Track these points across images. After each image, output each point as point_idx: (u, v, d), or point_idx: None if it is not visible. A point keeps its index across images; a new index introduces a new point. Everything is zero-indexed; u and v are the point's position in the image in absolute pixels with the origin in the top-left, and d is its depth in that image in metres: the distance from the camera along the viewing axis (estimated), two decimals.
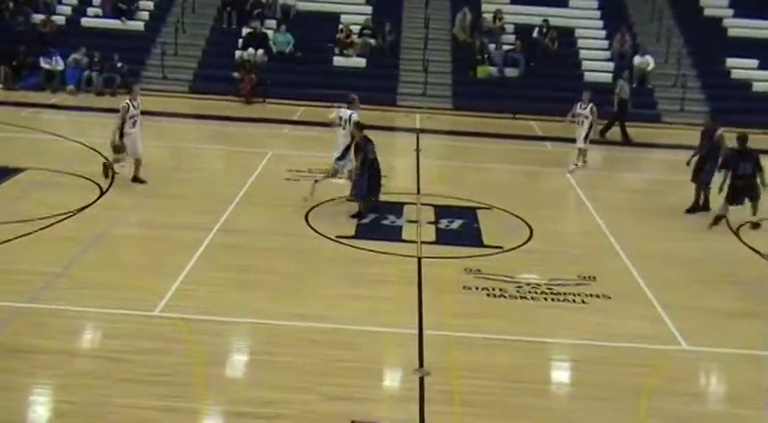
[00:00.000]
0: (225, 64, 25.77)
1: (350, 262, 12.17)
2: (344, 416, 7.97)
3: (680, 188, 17.99)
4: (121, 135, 14.88)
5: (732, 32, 28.22)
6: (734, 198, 14.71)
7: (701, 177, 15.60)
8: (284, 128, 21.76)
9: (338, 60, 26.46)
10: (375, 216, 14.14)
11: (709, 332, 10.49)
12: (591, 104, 18.80)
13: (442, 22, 28.54)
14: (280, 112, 23.53)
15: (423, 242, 13.19)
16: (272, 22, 27.46)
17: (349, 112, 15.02)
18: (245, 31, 26.96)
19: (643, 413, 8.46)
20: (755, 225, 14.85)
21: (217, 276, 11.24)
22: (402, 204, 14.99)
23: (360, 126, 14.29)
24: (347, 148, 14.72)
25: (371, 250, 12.58)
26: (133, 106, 14.99)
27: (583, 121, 18.65)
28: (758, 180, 14.65)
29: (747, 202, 14.77)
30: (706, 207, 15.64)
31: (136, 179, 15.23)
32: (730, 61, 27.04)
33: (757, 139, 18.67)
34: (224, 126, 21.70)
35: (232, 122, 22.01)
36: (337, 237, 13.09)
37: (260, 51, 26.10)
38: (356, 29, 27.15)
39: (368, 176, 13.94)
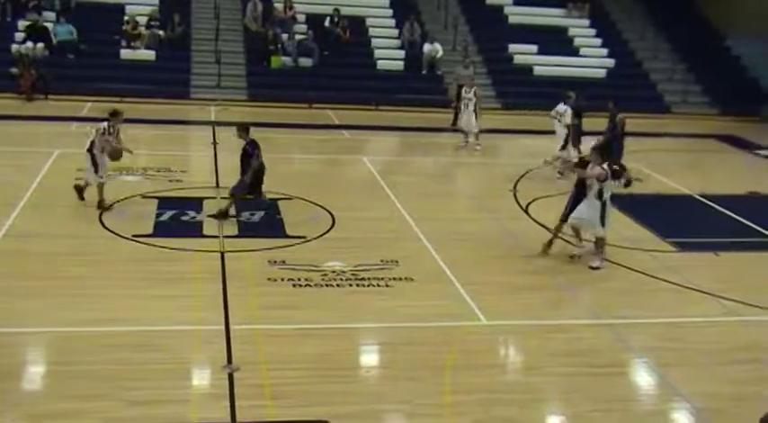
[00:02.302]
0: (1, 59, 24.22)
1: (149, 261, 11.79)
2: (152, 420, 7.74)
3: (473, 170, 18.77)
4: (93, 156, 13.63)
5: (513, 20, 29.61)
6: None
7: (612, 158, 16.76)
8: (71, 125, 20.76)
9: (126, 53, 25.54)
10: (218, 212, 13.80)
11: (506, 306, 11.00)
12: (474, 88, 19.91)
13: (232, 12, 28.16)
14: (65, 108, 22.38)
15: (225, 236, 13.00)
16: (51, 14, 26.06)
17: (564, 106, 17.61)
18: (22, 23, 25.46)
19: (448, 389, 8.75)
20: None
21: (3, 285, 10.56)
22: (201, 199, 14.70)
23: (246, 128, 13.65)
24: (567, 138, 17.40)
25: (171, 248, 12.26)
26: (109, 132, 13.74)
27: (467, 105, 19.44)
28: None
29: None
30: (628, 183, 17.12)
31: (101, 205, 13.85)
32: (512, 47, 28.37)
33: (543, 121, 19.74)
34: (2, 125, 20.40)
35: (11, 121, 20.72)
36: (134, 236, 12.65)
37: (40, 45, 24.73)
38: (143, 20, 26.30)
39: (252, 179, 13.41)
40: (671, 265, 12.82)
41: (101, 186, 13.88)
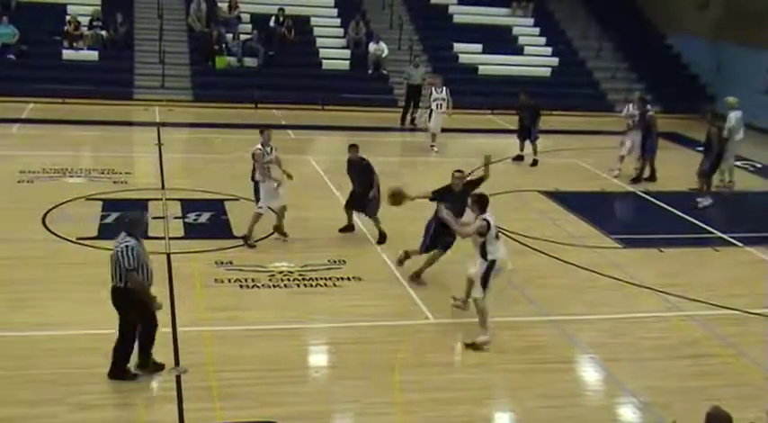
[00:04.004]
0: None
1: (94, 264, 11.53)
2: None
3: (419, 168, 18.81)
4: (256, 184, 12.82)
5: (457, 19, 29.74)
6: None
7: (645, 153, 18.03)
8: (12, 126, 20.36)
9: (68, 54, 25.06)
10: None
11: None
12: (445, 88, 19.84)
13: (176, 11, 27.84)
14: (6, 109, 21.93)
15: (171, 238, 12.86)
16: None
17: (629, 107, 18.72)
18: None
19: (397, 387, 8.77)
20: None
21: None
22: (146, 200, 14.52)
23: (355, 146, 13.37)
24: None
25: None
26: (266, 152, 12.66)
27: (440, 105, 19.37)
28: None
29: None
30: (653, 177, 18.14)
31: (279, 230, 13.07)
32: (457, 46, 28.49)
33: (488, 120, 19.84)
34: None
35: None
36: (78, 238, 12.45)
37: None
38: (85, 20, 25.86)
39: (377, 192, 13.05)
40: (616, 262, 13.01)
41: (256, 217, 12.72)
